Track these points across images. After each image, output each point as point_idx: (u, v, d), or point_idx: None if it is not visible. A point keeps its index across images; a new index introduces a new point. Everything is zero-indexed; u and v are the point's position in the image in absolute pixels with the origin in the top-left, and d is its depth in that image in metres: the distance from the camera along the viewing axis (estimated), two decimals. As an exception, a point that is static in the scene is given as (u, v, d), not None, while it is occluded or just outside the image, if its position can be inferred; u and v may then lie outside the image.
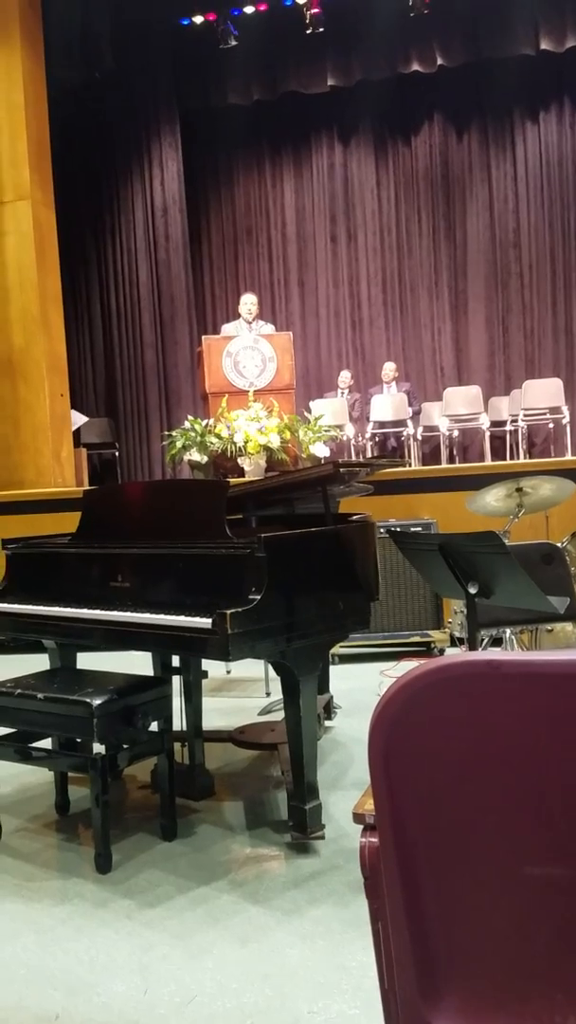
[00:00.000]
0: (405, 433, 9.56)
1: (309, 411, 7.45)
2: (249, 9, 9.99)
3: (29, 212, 7.35)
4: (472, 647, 2.85)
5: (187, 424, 6.95)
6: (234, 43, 9.98)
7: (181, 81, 10.63)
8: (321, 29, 9.85)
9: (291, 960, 2.15)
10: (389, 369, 10.08)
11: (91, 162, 10.79)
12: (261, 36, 10.13)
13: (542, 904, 1.02)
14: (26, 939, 2.32)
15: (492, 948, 1.06)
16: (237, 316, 7.70)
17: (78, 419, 9.52)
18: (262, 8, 10.00)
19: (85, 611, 2.96)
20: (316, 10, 9.80)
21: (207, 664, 3.33)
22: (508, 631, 4.02)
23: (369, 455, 9.37)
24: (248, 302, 7.60)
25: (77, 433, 10.11)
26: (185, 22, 10.20)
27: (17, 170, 7.36)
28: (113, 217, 10.96)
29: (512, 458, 9.39)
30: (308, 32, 9.87)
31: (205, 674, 3.34)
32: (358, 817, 1.41)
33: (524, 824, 1.00)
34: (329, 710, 4.08)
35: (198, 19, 10.14)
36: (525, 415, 9.13)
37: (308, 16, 9.82)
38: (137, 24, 9.85)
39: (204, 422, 6.91)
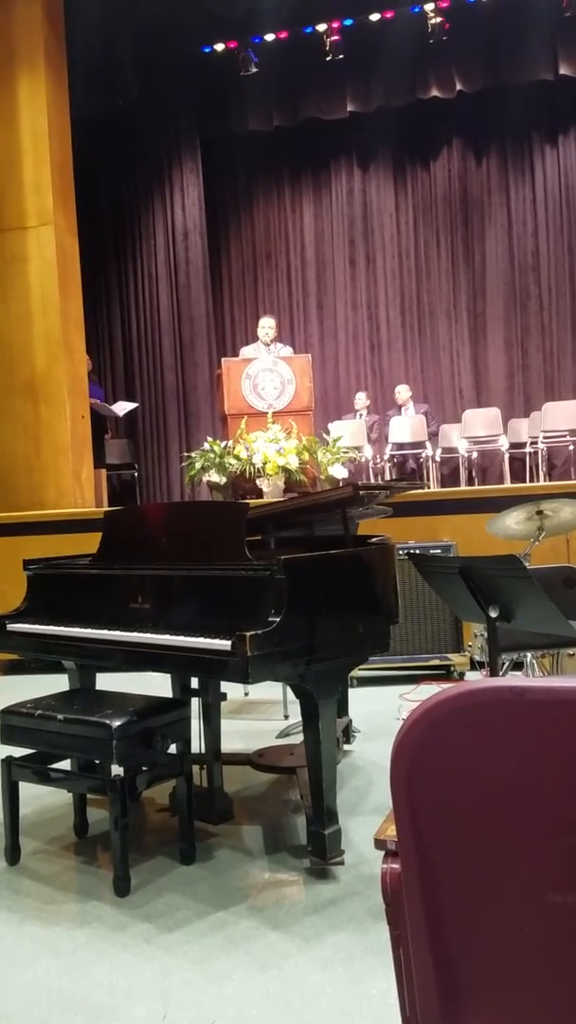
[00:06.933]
0: (424, 455, 9.56)
1: (327, 432, 7.47)
2: (269, 37, 10.16)
3: (52, 238, 7.46)
4: (493, 671, 2.84)
5: (206, 445, 6.99)
6: (254, 70, 10.14)
7: (202, 108, 10.79)
8: (340, 56, 9.99)
9: (311, 987, 2.13)
10: (402, 391, 10.10)
11: (113, 188, 10.96)
12: (281, 63, 10.29)
13: (568, 932, 1.01)
14: (47, 963, 2.32)
15: (517, 976, 1.05)
16: (256, 339, 7.76)
17: (125, 407, 9.56)
18: (282, 36, 10.17)
19: (105, 632, 2.97)
20: (335, 37, 9.94)
21: (226, 686, 3.33)
22: (529, 655, 3.99)
23: (388, 477, 9.37)
24: (267, 325, 7.65)
25: (117, 422, 10.18)
26: (206, 50, 10.37)
27: (41, 196, 7.47)
28: (134, 242, 11.10)
29: (532, 480, 9.36)
30: (328, 59, 10.01)
31: (224, 696, 3.34)
32: (380, 843, 1.41)
33: (549, 851, 1.00)
34: (348, 734, 4.06)
35: (219, 47, 10.31)
36: (545, 437, 9.11)
37: (328, 43, 9.97)
38: (159, 52, 10.02)
39: (223, 443, 6.95)
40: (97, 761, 3.03)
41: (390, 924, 1.27)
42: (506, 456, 9.55)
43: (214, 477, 6.82)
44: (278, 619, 2.55)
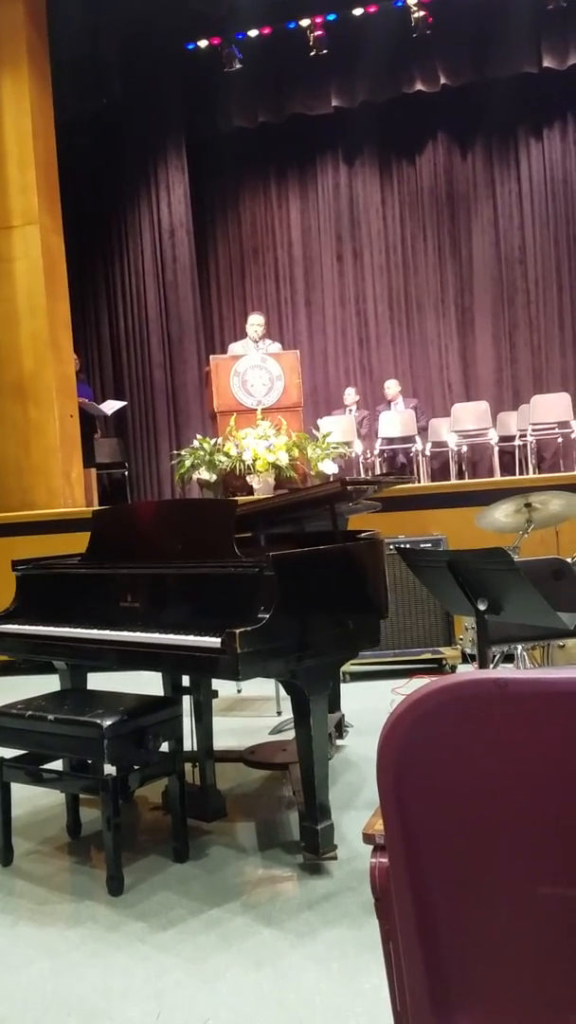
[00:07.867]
0: (413, 449, 9.56)
1: (317, 428, 7.47)
2: (253, 32, 10.13)
3: (38, 238, 7.43)
4: (482, 664, 2.84)
5: (196, 443, 6.97)
6: (239, 67, 10.10)
7: (187, 105, 10.76)
8: (325, 51, 9.96)
9: (306, 984, 2.13)
10: (391, 386, 10.10)
11: (99, 186, 10.91)
12: (265, 59, 10.26)
13: (557, 925, 1.01)
14: (41, 964, 2.31)
15: (507, 970, 1.05)
16: (244, 335, 7.74)
17: (113, 405, 9.50)
18: (265, 31, 10.13)
19: (95, 632, 2.96)
20: (319, 32, 9.92)
21: (218, 683, 3.32)
22: (519, 647, 4.00)
23: (378, 472, 9.37)
24: (255, 322, 7.63)
25: (106, 421, 10.13)
26: (190, 47, 10.34)
27: (26, 196, 7.44)
28: (121, 240, 11.07)
29: (521, 473, 9.37)
30: (312, 54, 9.98)
31: (215, 693, 3.33)
32: (368, 837, 1.41)
33: (537, 844, 1.00)
34: (340, 729, 4.06)
35: (203, 44, 10.27)
36: (534, 430, 9.12)
37: (311, 38, 9.94)
38: (143, 50, 9.98)
39: (213, 441, 6.93)
40: (89, 761, 3.02)
41: (380, 919, 1.27)
42: (495, 449, 9.55)
43: (204, 475, 6.80)
44: (268, 615, 2.55)
